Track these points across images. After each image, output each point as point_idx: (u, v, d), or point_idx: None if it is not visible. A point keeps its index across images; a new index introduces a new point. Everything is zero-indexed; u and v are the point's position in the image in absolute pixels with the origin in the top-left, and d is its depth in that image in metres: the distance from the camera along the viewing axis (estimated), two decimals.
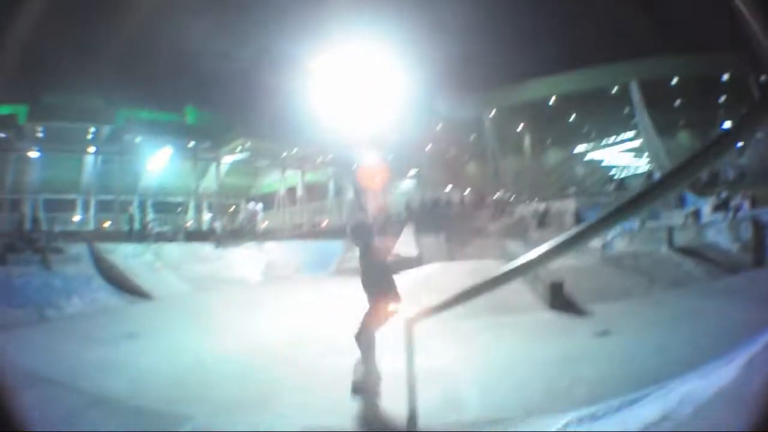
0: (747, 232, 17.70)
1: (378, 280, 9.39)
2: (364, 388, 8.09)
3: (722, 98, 42.85)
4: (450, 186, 56.52)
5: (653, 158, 42.88)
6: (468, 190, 52.71)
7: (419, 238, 32.47)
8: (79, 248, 23.44)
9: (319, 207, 62.13)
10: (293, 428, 6.84)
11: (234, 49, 49.59)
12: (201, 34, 52.07)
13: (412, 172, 61.45)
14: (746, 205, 21.47)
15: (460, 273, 16.66)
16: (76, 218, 45.36)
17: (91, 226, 41.32)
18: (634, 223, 25.48)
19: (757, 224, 17.48)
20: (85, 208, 51.72)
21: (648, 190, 2.65)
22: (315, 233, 42.22)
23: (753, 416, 2.34)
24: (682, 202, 26.82)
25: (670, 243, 19.28)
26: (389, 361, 9.22)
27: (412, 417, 5.17)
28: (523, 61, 39.51)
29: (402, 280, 17.44)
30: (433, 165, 57.18)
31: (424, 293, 14.26)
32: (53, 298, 17.91)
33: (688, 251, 18.14)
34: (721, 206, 22.86)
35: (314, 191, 61.39)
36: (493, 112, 47.43)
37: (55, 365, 10.12)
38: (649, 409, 3.67)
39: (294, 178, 59.77)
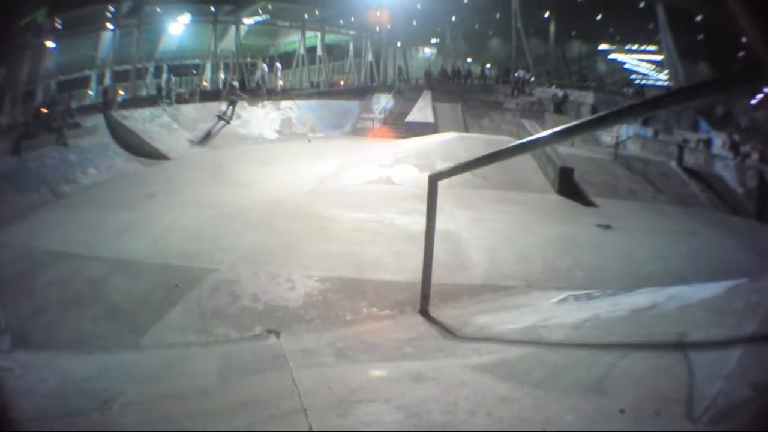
0: (753, 180, 17.59)
1: None
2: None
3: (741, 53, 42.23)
4: (471, 59, 56.36)
5: (672, 77, 41.92)
6: (489, 65, 52.52)
7: (436, 106, 32.01)
8: (95, 120, 23.33)
9: (339, 67, 61.80)
10: (314, 277, 7.11)
11: None
12: None
13: (435, 40, 60.81)
14: (755, 156, 21.26)
15: (475, 144, 16.77)
16: (90, 93, 44.23)
17: (113, 96, 40.98)
18: (647, 131, 25.63)
19: (763, 179, 17.34)
20: (100, 82, 51.26)
21: (655, 99, 2.86)
22: (332, 93, 42.01)
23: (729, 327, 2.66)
24: (696, 126, 26.59)
25: (680, 160, 19.29)
26: (406, 221, 10.07)
27: (427, 271, 5.32)
28: None
29: (418, 144, 17.70)
30: (457, 36, 56.44)
31: (439, 160, 14.86)
32: (68, 174, 17.95)
33: (695, 174, 18.31)
34: (732, 147, 22.62)
35: (334, 52, 60.75)
36: None
37: (73, 239, 10.15)
38: (639, 299, 3.88)
39: (314, 39, 58.55)
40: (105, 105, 27.73)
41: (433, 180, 5.36)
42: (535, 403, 2.52)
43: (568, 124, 3.69)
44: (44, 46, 44.13)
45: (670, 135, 23.57)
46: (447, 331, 4.63)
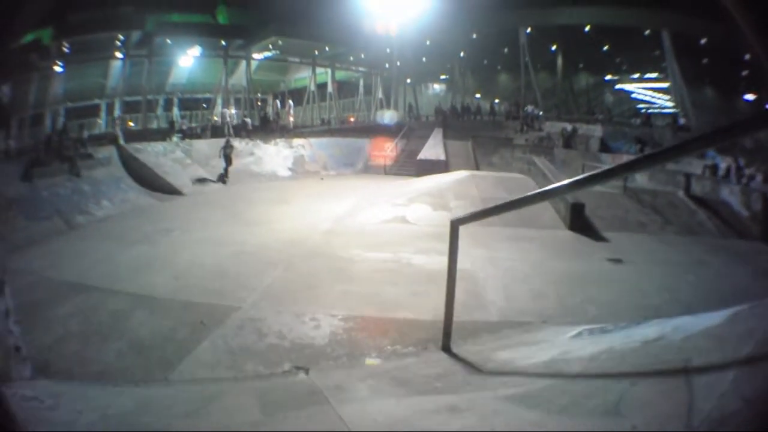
0: (757, 203, 17.56)
1: None
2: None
3: (745, 72, 42.32)
4: (480, 94, 56.36)
5: (678, 103, 42.30)
6: (497, 100, 52.91)
7: (447, 143, 32.27)
8: (107, 151, 23.24)
9: (349, 104, 61.67)
10: (338, 316, 7.26)
11: None
12: None
13: (444, 76, 60.85)
14: (759, 177, 21.34)
15: (486, 183, 17.06)
16: (99, 122, 44.10)
17: (113, 129, 41.09)
18: None
19: (767, 200, 17.38)
20: (109, 111, 51.08)
21: (675, 148, 3.12)
22: (343, 130, 41.67)
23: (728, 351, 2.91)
24: (702, 153, 26.76)
25: (687, 189, 19.40)
26: (423, 260, 10.26)
27: (449, 310, 5.52)
28: None
29: (431, 183, 17.92)
30: (465, 71, 56.05)
31: (453, 199, 15.14)
32: (82, 205, 18.01)
33: (702, 202, 18.36)
34: (737, 171, 22.72)
35: (344, 89, 60.67)
36: (529, 28, 46.54)
37: (91, 271, 10.28)
38: (648, 331, 4.04)
39: (324, 75, 58.73)
40: (116, 136, 27.82)
41: (455, 225, 5.60)
42: (561, 426, 2.89)
43: (592, 173, 3.88)
44: (51, 69, 44.41)
45: (677, 164, 23.81)
46: (472, 366, 4.80)
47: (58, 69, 45.91)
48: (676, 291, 8.65)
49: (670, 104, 45.58)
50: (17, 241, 13.96)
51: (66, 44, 44.69)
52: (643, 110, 47.83)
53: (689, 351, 3.19)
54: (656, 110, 47.98)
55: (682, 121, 38.62)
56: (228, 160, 25.55)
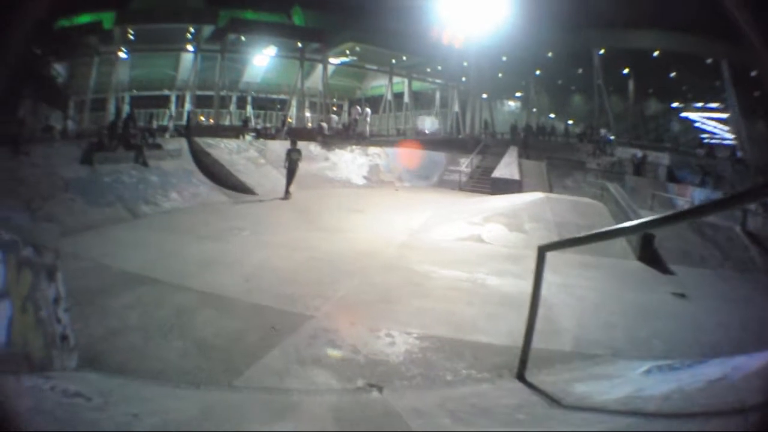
0: None
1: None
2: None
3: None
4: (553, 114, 56.56)
5: (736, 136, 41.98)
6: (571, 121, 52.79)
7: (521, 163, 32.13)
8: (178, 144, 23.37)
9: (425, 116, 61.36)
10: (413, 333, 7.12)
11: None
12: None
13: (519, 94, 60.57)
14: None
15: (561, 207, 16.90)
16: (167, 114, 44.03)
17: (185, 122, 41.21)
18: (716, 194, 25.38)
19: None
20: (180, 104, 51.31)
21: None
22: (419, 142, 40.90)
23: None
24: None
25: (743, 224, 18.86)
26: (498, 282, 10.19)
27: (528, 338, 5.44)
28: (637, 7, 38.56)
29: (506, 203, 17.86)
30: (540, 90, 56.26)
31: (527, 220, 15.05)
32: (148, 195, 18.00)
33: (756, 238, 17.86)
34: None
35: (420, 100, 60.82)
36: (602, 50, 46.43)
37: (155, 264, 10.22)
38: (712, 371, 4.08)
39: (400, 85, 58.82)
40: (188, 130, 27.84)
41: (542, 251, 5.49)
42: None
43: (682, 210, 3.91)
44: (115, 55, 44.79)
45: None
46: (550, 399, 4.70)
47: (122, 55, 46.37)
48: (730, 328, 8.51)
49: (730, 136, 45.02)
50: (74, 224, 13.90)
51: (131, 31, 45.11)
52: (706, 140, 47.16)
53: (747, 391, 3.28)
54: (717, 141, 47.08)
55: (739, 153, 38.17)
56: (292, 173, 21.85)
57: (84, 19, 41.79)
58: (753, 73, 36.29)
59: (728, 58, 39.53)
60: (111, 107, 43.05)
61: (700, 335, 8.04)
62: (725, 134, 47.10)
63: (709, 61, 42.24)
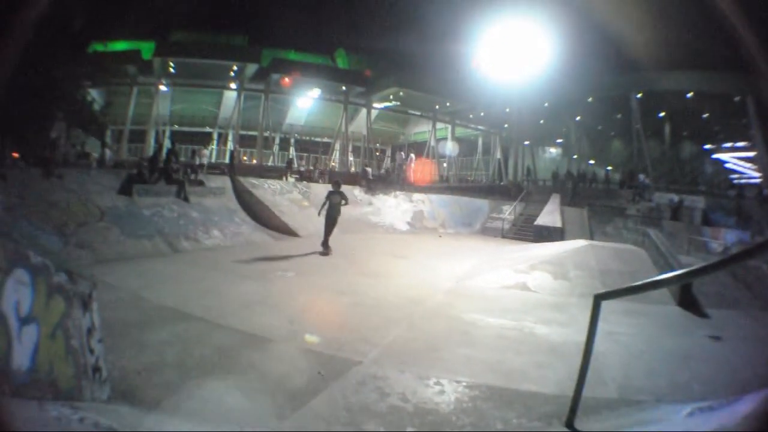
0: None
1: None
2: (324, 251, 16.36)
3: None
4: (593, 160, 56.31)
5: (763, 173, 41.98)
6: (611, 167, 52.31)
7: (563, 210, 32.53)
8: (221, 182, 23.69)
9: (468, 162, 62.78)
10: (462, 382, 6.94)
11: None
12: None
13: (559, 140, 60.71)
14: None
15: (605, 254, 16.83)
16: (208, 151, 44.45)
17: (227, 160, 41.74)
18: (746, 234, 25.91)
19: None
20: (222, 142, 52.80)
21: None
22: (462, 189, 42.27)
23: None
24: None
25: None
26: (546, 331, 10.09)
27: (579, 386, 5.36)
28: (671, 48, 38.76)
29: (550, 251, 17.84)
30: (581, 136, 56.52)
31: (572, 268, 14.95)
32: (189, 230, 18.22)
33: None
34: None
35: (463, 146, 61.38)
36: (639, 94, 46.77)
37: (195, 300, 10.20)
38: (745, 405, 4.13)
39: (444, 131, 59.86)
40: (231, 168, 28.26)
41: (598, 300, 5.49)
42: None
43: (729, 256, 4.11)
44: (155, 86, 45.41)
45: (762, 235, 23.35)
46: None
47: (162, 88, 47.01)
48: (758, 366, 8.45)
49: (758, 174, 44.75)
50: (109, 253, 14.24)
51: (171, 64, 45.71)
52: (735, 180, 47.22)
53: None
54: (746, 180, 46.89)
55: (766, 191, 37.99)
56: (332, 221, 18.96)
57: (121, 45, 42.45)
58: None
59: (753, 93, 39.83)
60: (150, 140, 43.71)
61: (734, 374, 8.11)
62: (752, 173, 46.94)
63: (737, 98, 42.52)
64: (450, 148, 58.14)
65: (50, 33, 17.58)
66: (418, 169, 42.69)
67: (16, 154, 20.40)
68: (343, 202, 19.20)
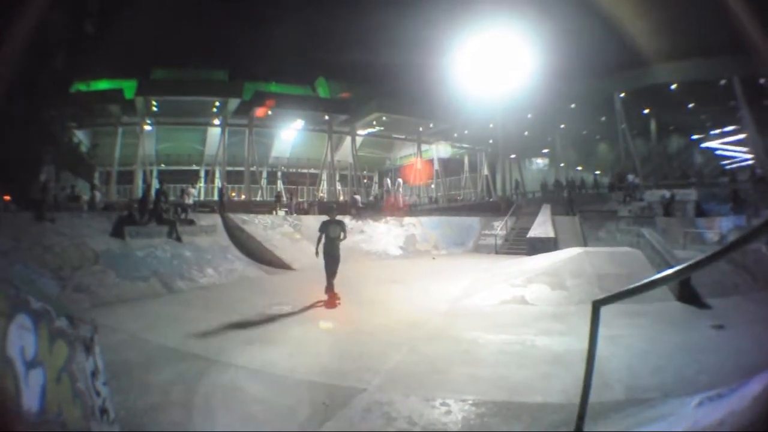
0: None
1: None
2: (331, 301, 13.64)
3: None
4: (581, 167, 57.09)
5: (754, 153, 42.20)
6: (599, 171, 53.47)
7: (555, 219, 32.68)
8: (212, 220, 23.76)
9: (455, 181, 63.15)
10: (468, 400, 6.93)
11: (367, 24, 50.40)
12: (330, 5, 52.82)
13: (545, 150, 61.70)
14: None
15: (600, 260, 16.78)
16: (195, 190, 44.46)
17: (215, 198, 41.69)
18: (740, 218, 26.13)
19: None
20: (210, 179, 52.83)
21: None
22: (452, 209, 43.08)
23: None
24: None
25: None
26: (547, 342, 10.13)
27: (585, 392, 5.27)
28: (649, 42, 38.98)
29: (545, 261, 17.96)
30: (566, 144, 57.15)
31: (569, 277, 14.98)
32: (183, 270, 18.21)
33: None
34: None
35: (449, 166, 62.22)
36: (623, 93, 47.06)
37: (195, 339, 10.28)
38: (753, 387, 4.00)
39: (429, 152, 60.40)
40: (221, 206, 28.39)
41: (597, 306, 5.47)
42: None
43: (725, 246, 4.07)
44: (140, 126, 45.48)
45: (758, 218, 23.43)
46: None
47: (147, 127, 47.08)
48: (764, 348, 8.73)
49: (749, 156, 45.12)
50: (107, 296, 14.34)
51: (154, 102, 45.80)
52: (727, 166, 47.61)
53: None
54: (737, 164, 47.46)
55: (759, 171, 38.29)
56: (333, 260, 15.18)
57: (102, 85, 42.57)
58: (761, 81, 36.54)
59: (739, 73, 39.96)
60: (139, 180, 43.67)
61: (739, 360, 8.13)
62: (744, 155, 47.43)
63: (722, 82, 42.61)
64: (437, 169, 58.79)
65: (33, 74, 17.63)
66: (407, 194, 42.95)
67: (7, 198, 20.49)
68: (342, 235, 15.19)
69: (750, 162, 43.74)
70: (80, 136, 36.31)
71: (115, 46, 33.05)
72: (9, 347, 3.24)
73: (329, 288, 14.85)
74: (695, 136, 52.57)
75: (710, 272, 15.04)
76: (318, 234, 15.03)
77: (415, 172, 52.60)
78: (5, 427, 2.73)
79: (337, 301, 14.48)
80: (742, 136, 45.65)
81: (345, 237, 15.35)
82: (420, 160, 58.49)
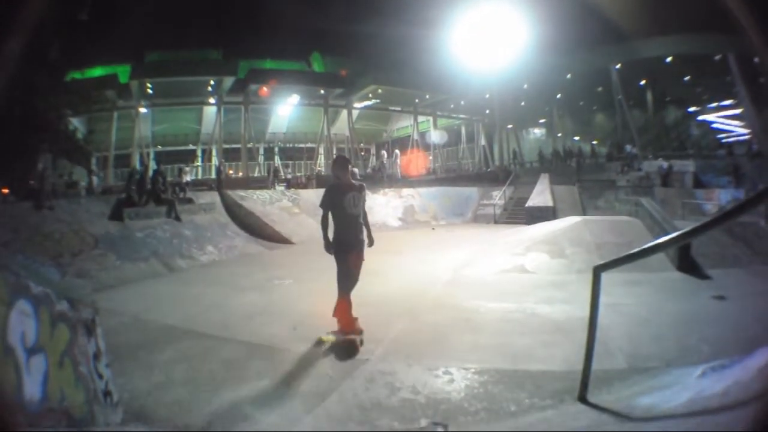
0: None
1: None
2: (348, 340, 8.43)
3: None
4: (578, 137, 56.87)
5: (750, 128, 42.29)
6: (596, 141, 53.48)
7: (553, 189, 32.51)
8: (210, 197, 23.75)
9: (452, 152, 63.16)
10: (471, 369, 6.95)
11: None
12: None
13: (542, 120, 61.34)
14: None
15: (599, 228, 16.86)
16: (190, 169, 44.05)
17: (213, 176, 41.58)
18: (740, 192, 26.11)
19: None
20: (207, 158, 52.87)
21: None
22: (450, 179, 42.62)
23: None
24: None
25: (767, 217, 19.10)
26: (548, 309, 10.15)
27: (588, 359, 5.43)
28: (646, 15, 38.75)
29: (544, 230, 17.96)
30: (563, 114, 57.07)
31: (568, 246, 15.04)
32: (183, 249, 18.23)
33: None
34: None
35: (447, 136, 61.32)
36: (619, 65, 47.11)
37: (197, 317, 10.24)
38: (757, 359, 4.20)
39: (426, 123, 60.21)
40: (218, 183, 28.24)
41: (597, 272, 5.51)
42: None
43: (721, 214, 4.22)
44: (135, 109, 45.28)
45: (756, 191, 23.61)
46: (617, 415, 4.71)
47: (142, 110, 46.89)
48: (765, 320, 8.65)
49: (746, 131, 45.06)
50: (107, 280, 14.22)
51: (149, 85, 45.56)
52: (724, 140, 47.45)
53: None
54: (734, 138, 47.07)
55: (755, 146, 38.17)
56: (354, 256, 8.87)
57: (97, 72, 42.31)
58: (756, 59, 36.47)
59: (734, 50, 39.83)
60: (136, 163, 43.44)
61: (740, 332, 8.10)
62: (740, 129, 47.20)
63: (717, 57, 42.69)
64: (435, 137, 58.47)
65: (28, 64, 17.53)
66: (404, 164, 42.75)
67: (5, 190, 20.51)
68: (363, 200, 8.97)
69: (747, 137, 43.52)
70: (75, 123, 36.09)
71: (108, 32, 32.97)
72: (10, 335, 3.23)
73: (343, 305, 8.56)
74: (692, 109, 52.26)
75: (710, 243, 15.10)
76: (322, 211, 8.53)
77: (412, 157, 52.21)
78: (5, 422, 2.70)
79: (359, 337, 8.28)
80: (738, 110, 45.65)
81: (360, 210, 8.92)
82: (417, 131, 58.63)
